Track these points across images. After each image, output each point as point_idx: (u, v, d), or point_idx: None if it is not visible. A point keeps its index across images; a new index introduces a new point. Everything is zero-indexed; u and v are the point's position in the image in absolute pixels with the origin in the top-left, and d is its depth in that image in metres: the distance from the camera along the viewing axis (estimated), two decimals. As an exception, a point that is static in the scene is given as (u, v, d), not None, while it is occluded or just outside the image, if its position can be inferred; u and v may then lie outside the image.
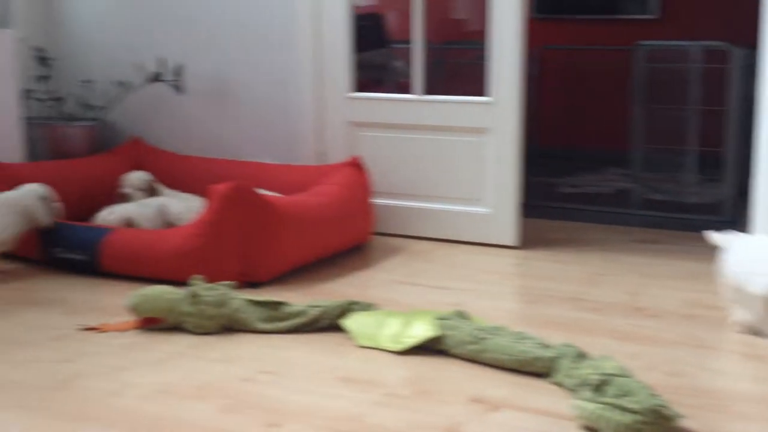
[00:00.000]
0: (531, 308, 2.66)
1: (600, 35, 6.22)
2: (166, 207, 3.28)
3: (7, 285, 2.85)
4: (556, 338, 2.27)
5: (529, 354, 2.06)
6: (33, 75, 4.04)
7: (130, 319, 2.44)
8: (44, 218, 2.98)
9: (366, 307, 2.46)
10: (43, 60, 3.99)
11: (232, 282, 2.55)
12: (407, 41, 3.78)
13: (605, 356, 2.04)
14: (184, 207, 3.29)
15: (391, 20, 5.46)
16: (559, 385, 2.00)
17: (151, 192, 3.47)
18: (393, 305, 2.64)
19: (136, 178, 3.49)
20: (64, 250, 2.98)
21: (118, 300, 2.66)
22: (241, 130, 3.93)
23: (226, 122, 3.96)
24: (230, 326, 2.40)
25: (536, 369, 2.05)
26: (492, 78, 3.41)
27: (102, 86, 4.12)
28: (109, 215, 3.17)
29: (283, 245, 2.91)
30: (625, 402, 1.78)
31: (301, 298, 2.67)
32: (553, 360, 2.04)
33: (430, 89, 3.60)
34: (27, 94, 3.90)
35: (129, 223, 3.13)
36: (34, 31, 4.17)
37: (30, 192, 2.99)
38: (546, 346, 2.11)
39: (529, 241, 3.56)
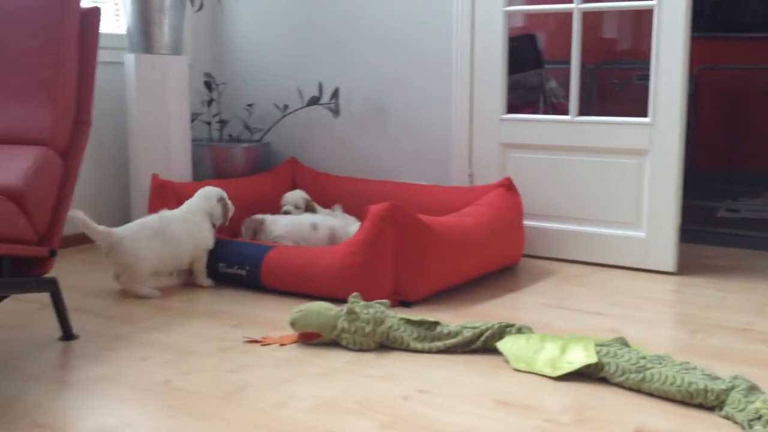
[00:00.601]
0: (694, 338, 2.55)
1: (760, 54, 5.95)
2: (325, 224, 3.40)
3: (177, 297, 3.02)
4: (723, 370, 2.18)
5: (698, 385, 1.98)
6: (201, 99, 4.28)
7: (290, 333, 2.53)
8: (220, 219, 3.16)
9: (521, 329, 2.44)
10: (209, 84, 4.22)
11: (387, 300, 2.60)
12: (557, 61, 3.75)
13: (779, 391, 1.93)
14: (342, 225, 3.40)
15: (543, 40, 5.43)
16: (730, 418, 1.91)
17: (308, 210, 3.60)
18: (545, 329, 2.61)
19: (296, 196, 3.63)
20: (227, 266, 3.12)
21: (277, 314, 2.77)
22: (394, 152, 4.01)
23: (380, 143, 4.05)
24: (384, 344, 2.45)
25: (705, 401, 1.97)
26: (652, 98, 3.32)
27: (263, 109, 4.32)
28: (313, 231, 3.31)
29: (436, 265, 2.94)
30: (804, 441, 1.69)
31: (452, 318, 2.68)
32: (723, 392, 1.95)
33: (582, 110, 3.56)
34: (194, 117, 4.14)
35: (333, 238, 3.27)
36: (203, 57, 4.43)
37: (210, 194, 3.18)
38: (715, 378, 2.02)
39: (686, 266, 3.43)
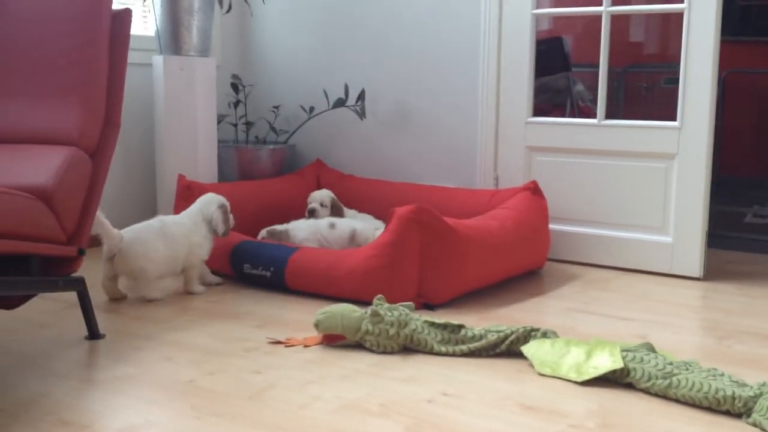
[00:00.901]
0: (721, 344, 2.52)
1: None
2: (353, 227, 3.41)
3: (201, 298, 3.04)
4: (751, 377, 2.16)
5: (725, 392, 1.96)
6: (228, 101, 4.31)
7: (314, 334, 2.54)
8: (221, 227, 3.12)
9: (546, 334, 2.43)
10: (236, 86, 4.24)
11: (411, 303, 2.59)
12: (584, 65, 3.73)
13: (809, 399, 1.91)
14: (370, 227, 3.40)
15: (570, 43, 5.41)
16: (757, 425, 1.89)
17: (334, 209, 3.61)
18: (570, 333, 2.59)
19: (323, 194, 3.65)
20: (252, 267, 3.14)
21: (301, 316, 2.78)
22: (420, 154, 4.01)
23: (405, 146, 4.05)
24: (408, 347, 2.44)
25: (732, 408, 1.95)
26: (681, 102, 3.30)
27: (289, 111, 4.34)
28: (331, 229, 3.33)
29: (461, 268, 2.93)
30: (834, 450, 1.66)
31: (476, 322, 2.68)
32: (751, 399, 1.93)
33: (610, 113, 3.54)
34: (221, 119, 4.16)
35: (354, 237, 3.29)
36: (231, 59, 4.46)
37: (211, 201, 3.15)
38: (742, 385, 2.00)
39: (712, 272, 3.40)
